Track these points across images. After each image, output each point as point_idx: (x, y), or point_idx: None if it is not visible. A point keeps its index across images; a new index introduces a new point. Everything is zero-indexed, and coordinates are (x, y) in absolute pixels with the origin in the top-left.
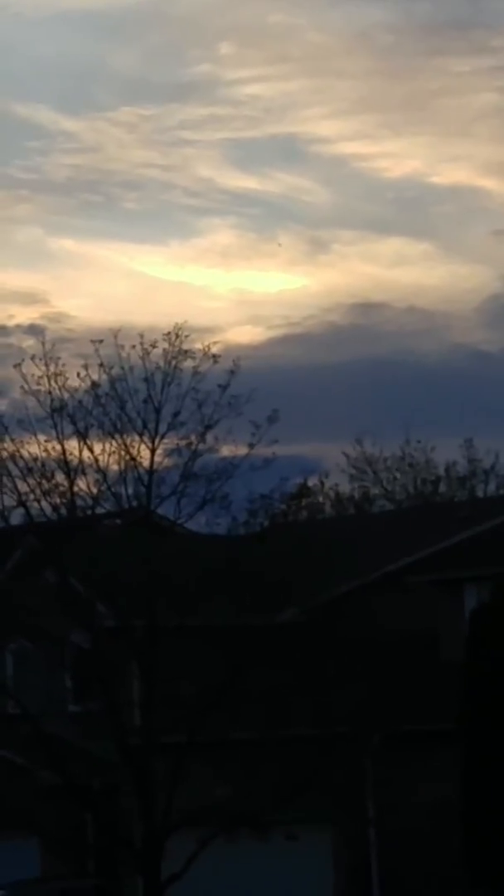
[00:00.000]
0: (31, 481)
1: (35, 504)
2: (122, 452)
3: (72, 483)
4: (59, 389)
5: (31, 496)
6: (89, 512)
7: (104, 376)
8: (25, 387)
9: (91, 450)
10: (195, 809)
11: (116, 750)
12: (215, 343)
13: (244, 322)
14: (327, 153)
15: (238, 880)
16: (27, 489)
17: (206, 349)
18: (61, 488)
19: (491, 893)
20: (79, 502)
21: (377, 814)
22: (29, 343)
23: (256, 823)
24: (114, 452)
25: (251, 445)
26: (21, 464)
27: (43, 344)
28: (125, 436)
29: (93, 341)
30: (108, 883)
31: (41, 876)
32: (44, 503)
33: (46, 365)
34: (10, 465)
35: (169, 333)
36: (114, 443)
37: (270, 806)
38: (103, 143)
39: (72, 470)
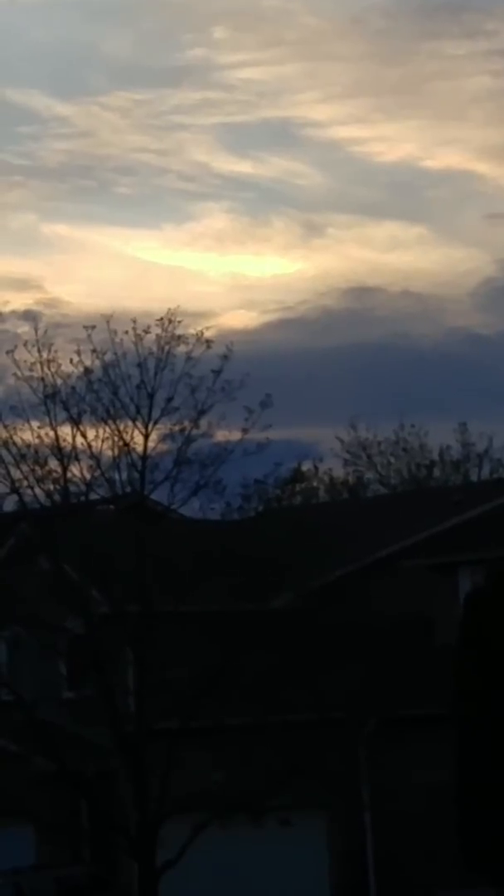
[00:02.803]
0: (24, 468)
1: (28, 491)
2: (116, 438)
3: (65, 469)
4: (53, 375)
5: (25, 483)
6: (83, 498)
7: (97, 362)
8: (18, 373)
9: (84, 436)
10: (190, 795)
11: (111, 736)
12: (209, 328)
13: (238, 307)
14: (321, 137)
15: (233, 866)
16: (20, 476)
17: (200, 334)
18: (55, 475)
19: (485, 876)
20: (72, 488)
21: (372, 798)
22: (24, 329)
23: (251, 809)
24: (107, 438)
25: (245, 430)
26: (14, 450)
27: (36, 330)
28: (118, 421)
29: (85, 327)
30: (103, 870)
31: (36, 863)
32: (37, 490)
33: (39, 351)
34: (4, 452)
35: (162, 319)
36: (107, 428)
37: (265, 791)
38: (97, 128)
39: (65, 456)
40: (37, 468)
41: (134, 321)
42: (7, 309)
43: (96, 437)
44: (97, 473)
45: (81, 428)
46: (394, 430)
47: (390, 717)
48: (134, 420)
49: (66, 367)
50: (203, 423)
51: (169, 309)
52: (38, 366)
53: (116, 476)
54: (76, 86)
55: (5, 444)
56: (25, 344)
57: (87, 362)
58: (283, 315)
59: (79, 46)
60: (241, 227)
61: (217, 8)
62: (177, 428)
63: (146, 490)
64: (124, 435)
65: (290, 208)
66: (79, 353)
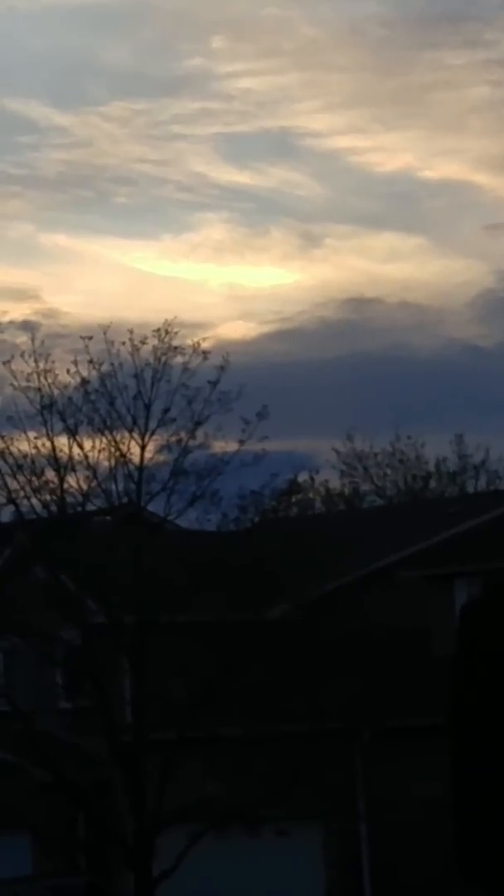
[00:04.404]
0: (21, 478)
1: (25, 501)
2: (112, 449)
3: (62, 480)
4: (49, 386)
5: (21, 493)
6: (79, 509)
7: (94, 373)
8: (16, 384)
9: (81, 446)
10: (186, 806)
11: (107, 747)
12: (206, 339)
13: (236, 317)
14: (320, 147)
15: (229, 877)
16: (17, 486)
17: (197, 345)
18: (51, 485)
19: (483, 889)
20: (69, 499)
21: (368, 809)
22: (22, 339)
23: (247, 820)
24: (104, 449)
25: (241, 442)
26: (11, 461)
27: (33, 340)
28: (115, 432)
29: (82, 338)
30: (100, 880)
31: (33, 873)
32: (34, 500)
33: (36, 361)
34: (0, 462)
35: (158, 330)
36: (104, 439)
37: (261, 802)
38: (95, 138)
39: (62, 467)
40: (33, 479)
41: (131, 332)
42: (5, 319)
43: (93, 447)
44: (94, 484)
45: (78, 438)
46: (390, 442)
47: (387, 728)
48: (130, 431)
49: (64, 378)
50: (200, 434)
51: (166, 320)
52: (35, 376)
53: (113, 487)
54: (75, 95)
55: (2, 454)
56: (23, 354)
57: (85, 373)
58: (281, 326)
59: (77, 56)
60: (239, 238)
61: (216, 17)
62: (173, 439)
63: (143, 501)
64: (121, 446)
65: (289, 219)
66: (75, 363)
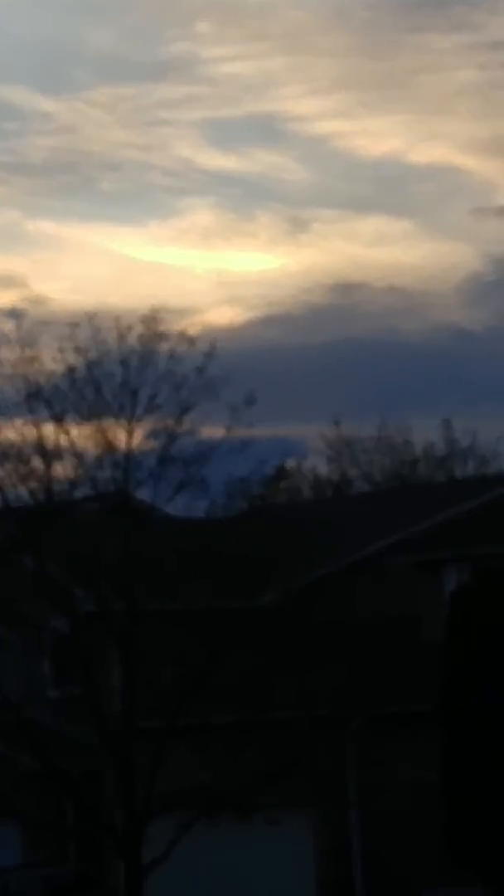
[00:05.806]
0: (7, 466)
1: (12, 489)
2: (99, 436)
3: (49, 467)
4: (36, 373)
5: (8, 481)
6: (67, 497)
7: (81, 360)
8: (1, 371)
9: (68, 434)
10: (176, 794)
11: (97, 735)
12: (193, 325)
13: (223, 303)
14: (306, 132)
15: (220, 864)
16: (3, 474)
17: (183, 332)
18: (38, 473)
19: (473, 874)
20: (56, 487)
21: (359, 796)
22: (9, 327)
23: (238, 807)
24: (91, 436)
25: (229, 428)
26: None
27: (19, 328)
28: (102, 420)
29: (69, 325)
30: (90, 868)
31: (22, 862)
32: (21, 488)
33: (22, 349)
34: None
35: (145, 317)
36: (91, 427)
37: (252, 790)
38: (81, 124)
39: (48, 454)
40: (20, 466)
41: (117, 319)
42: None
43: (80, 435)
44: (81, 472)
45: (65, 426)
46: (377, 427)
47: (377, 715)
48: (117, 418)
49: (50, 365)
50: (187, 420)
51: (152, 306)
52: (22, 364)
53: (100, 474)
54: (60, 81)
55: None
56: (9, 342)
57: (71, 360)
58: (268, 311)
59: (62, 41)
60: (226, 223)
61: (201, 2)
62: (160, 426)
63: (130, 488)
64: (108, 433)
65: (276, 203)
66: (61, 350)
